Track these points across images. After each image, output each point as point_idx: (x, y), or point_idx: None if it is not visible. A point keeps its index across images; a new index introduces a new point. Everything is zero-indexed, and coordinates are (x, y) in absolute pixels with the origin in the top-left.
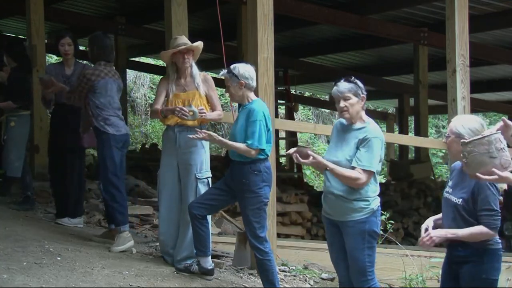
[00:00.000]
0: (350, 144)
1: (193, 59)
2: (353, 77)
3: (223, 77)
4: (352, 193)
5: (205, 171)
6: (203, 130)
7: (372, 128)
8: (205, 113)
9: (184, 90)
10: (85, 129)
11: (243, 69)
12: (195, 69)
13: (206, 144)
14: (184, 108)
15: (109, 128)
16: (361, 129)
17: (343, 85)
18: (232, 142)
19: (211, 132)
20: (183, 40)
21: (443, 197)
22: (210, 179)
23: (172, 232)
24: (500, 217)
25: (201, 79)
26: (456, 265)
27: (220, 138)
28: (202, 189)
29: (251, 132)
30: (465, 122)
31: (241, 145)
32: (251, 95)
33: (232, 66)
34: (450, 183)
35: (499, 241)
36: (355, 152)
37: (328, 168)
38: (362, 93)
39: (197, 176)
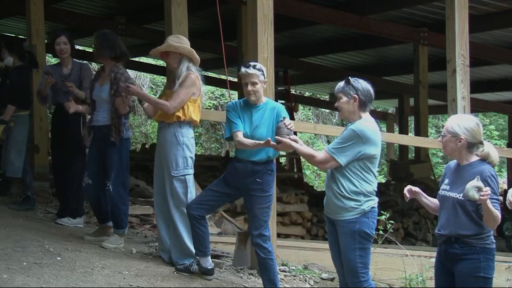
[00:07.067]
0: None
1: (184, 58)
2: (351, 78)
3: (252, 73)
4: (344, 190)
5: (182, 169)
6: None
7: (358, 123)
8: (130, 86)
9: (171, 87)
10: (89, 132)
11: (263, 67)
12: (183, 68)
13: (186, 141)
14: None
15: (127, 132)
16: (351, 124)
17: (337, 85)
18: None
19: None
20: (168, 40)
21: (439, 194)
22: (189, 177)
23: (165, 228)
24: (499, 207)
25: (182, 77)
26: (451, 263)
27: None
28: (178, 186)
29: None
30: (461, 121)
31: None
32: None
33: (255, 63)
34: (446, 181)
35: (494, 241)
36: None
37: (295, 148)
38: (355, 94)
39: (172, 174)
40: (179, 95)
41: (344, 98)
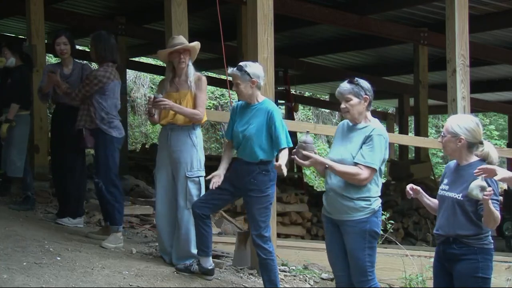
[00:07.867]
0: (355, 142)
1: (190, 59)
2: (356, 78)
3: (232, 74)
4: (354, 192)
5: (196, 170)
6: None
7: (376, 127)
8: (164, 101)
9: (177, 89)
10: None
11: (254, 68)
12: (190, 69)
13: (199, 143)
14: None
15: (113, 130)
16: (366, 128)
17: (344, 86)
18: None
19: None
20: (180, 40)
21: (438, 194)
22: (202, 178)
23: (169, 230)
24: (499, 207)
25: (194, 79)
26: (449, 263)
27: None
28: (193, 188)
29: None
30: (461, 121)
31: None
32: (259, 94)
33: (242, 64)
34: (445, 181)
35: (492, 241)
36: (359, 150)
37: (327, 166)
38: (365, 94)
39: (187, 175)
40: (203, 100)
41: (355, 99)
